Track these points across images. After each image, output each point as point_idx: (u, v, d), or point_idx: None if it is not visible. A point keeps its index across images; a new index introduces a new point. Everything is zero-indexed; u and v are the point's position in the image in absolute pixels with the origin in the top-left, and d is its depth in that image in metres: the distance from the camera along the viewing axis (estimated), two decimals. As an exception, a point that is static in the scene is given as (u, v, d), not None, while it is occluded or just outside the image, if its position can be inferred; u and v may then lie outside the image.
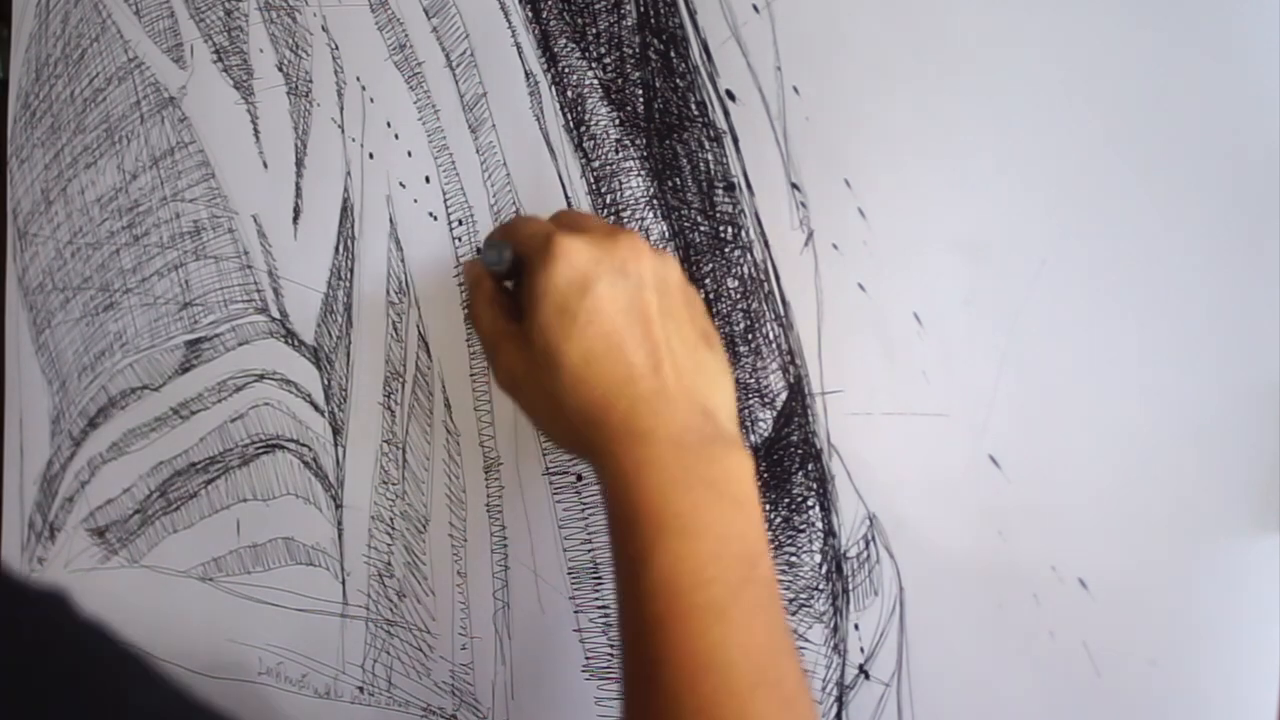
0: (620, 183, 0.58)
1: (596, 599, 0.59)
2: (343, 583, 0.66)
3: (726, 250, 0.55)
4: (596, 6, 0.58)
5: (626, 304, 0.48)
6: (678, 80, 0.56)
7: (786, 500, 0.54)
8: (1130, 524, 0.47)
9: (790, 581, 0.55)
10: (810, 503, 0.54)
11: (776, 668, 0.43)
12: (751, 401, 0.55)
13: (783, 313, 0.54)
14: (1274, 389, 0.45)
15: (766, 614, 0.44)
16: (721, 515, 0.45)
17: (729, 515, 0.45)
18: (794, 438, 0.54)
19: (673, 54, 0.56)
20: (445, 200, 0.63)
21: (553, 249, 0.48)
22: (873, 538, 0.53)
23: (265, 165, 0.68)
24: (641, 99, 0.57)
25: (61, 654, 0.33)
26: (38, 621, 0.34)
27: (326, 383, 0.67)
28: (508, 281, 0.53)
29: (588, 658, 0.59)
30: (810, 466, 0.54)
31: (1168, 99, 0.46)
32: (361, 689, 0.66)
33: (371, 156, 0.65)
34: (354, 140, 0.65)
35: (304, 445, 0.67)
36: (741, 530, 0.45)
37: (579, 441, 0.49)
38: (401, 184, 0.64)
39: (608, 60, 0.58)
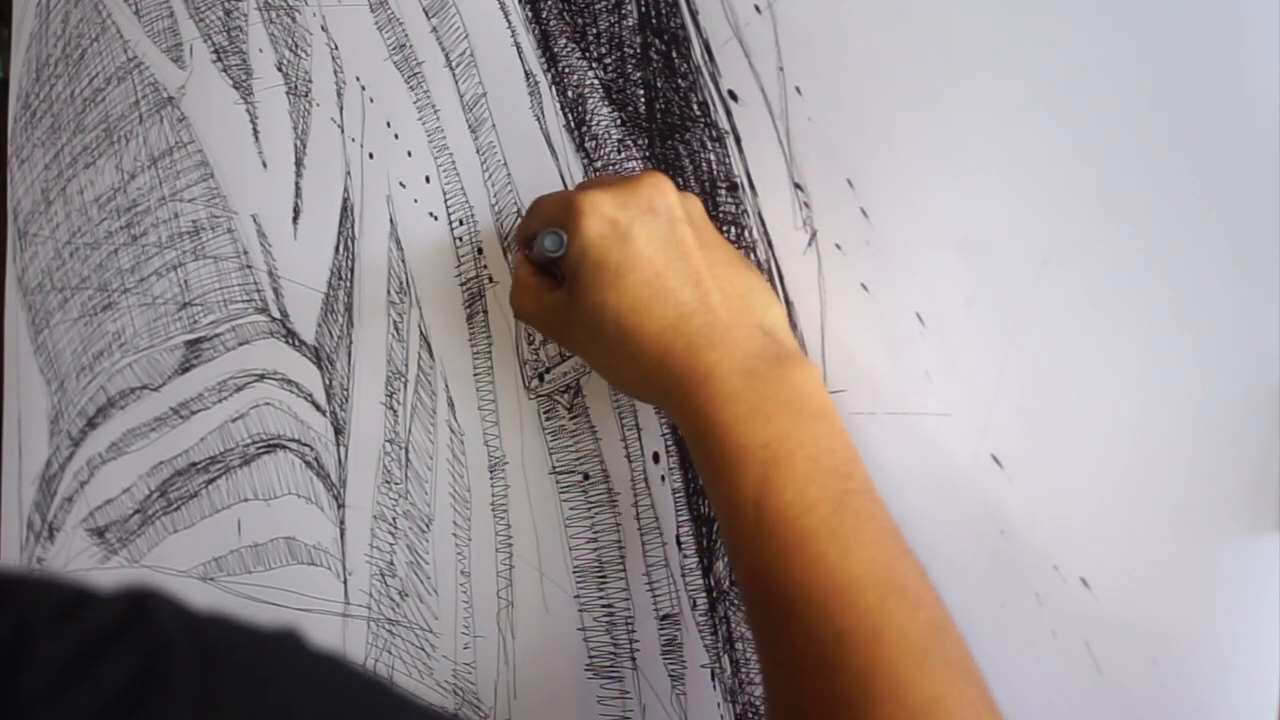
0: (622, 183, 0.58)
1: (601, 597, 0.59)
2: (344, 582, 0.66)
3: (729, 250, 0.55)
4: (597, 7, 0.58)
5: (662, 242, 0.48)
6: (679, 80, 0.56)
7: (790, 499, 0.54)
8: (1132, 523, 0.48)
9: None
10: (813, 502, 0.54)
11: (899, 573, 0.43)
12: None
13: (786, 312, 0.54)
14: (1274, 389, 0.45)
15: (874, 522, 0.44)
16: (806, 434, 0.45)
17: (814, 432, 0.45)
18: (797, 437, 0.54)
19: (674, 54, 0.56)
20: (445, 200, 0.63)
21: (578, 207, 0.48)
22: (876, 537, 0.53)
23: (265, 165, 0.68)
24: (643, 99, 0.57)
25: (309, 695, 0.33)
26: (277, 664, 0.33)
27: (328, 382, 0.67)
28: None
29: (591, 656, 0.59)
30: (813, 466, 0.54)
31: (1169, 99, 0.46)
32: (363, 688, 0.66)
33: (371, 156, 0.65)
34: (354, 140, 0.65)
35: (305, 445, 0.67)
36: (829, 444, 0.45)
37: (648, 389, 0.49)
38: (401, 184, 0.64)
39: (608, 60, 0.58)
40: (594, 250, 0.48)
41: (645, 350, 0.47)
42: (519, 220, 0.56)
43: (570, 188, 0.59)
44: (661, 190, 0.49)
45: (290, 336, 0.68)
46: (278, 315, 0.68)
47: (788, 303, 0.54)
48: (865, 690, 0.40)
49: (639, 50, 0.57)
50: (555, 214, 0.50)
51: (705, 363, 0.46)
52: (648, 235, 0.47)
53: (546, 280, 0.53)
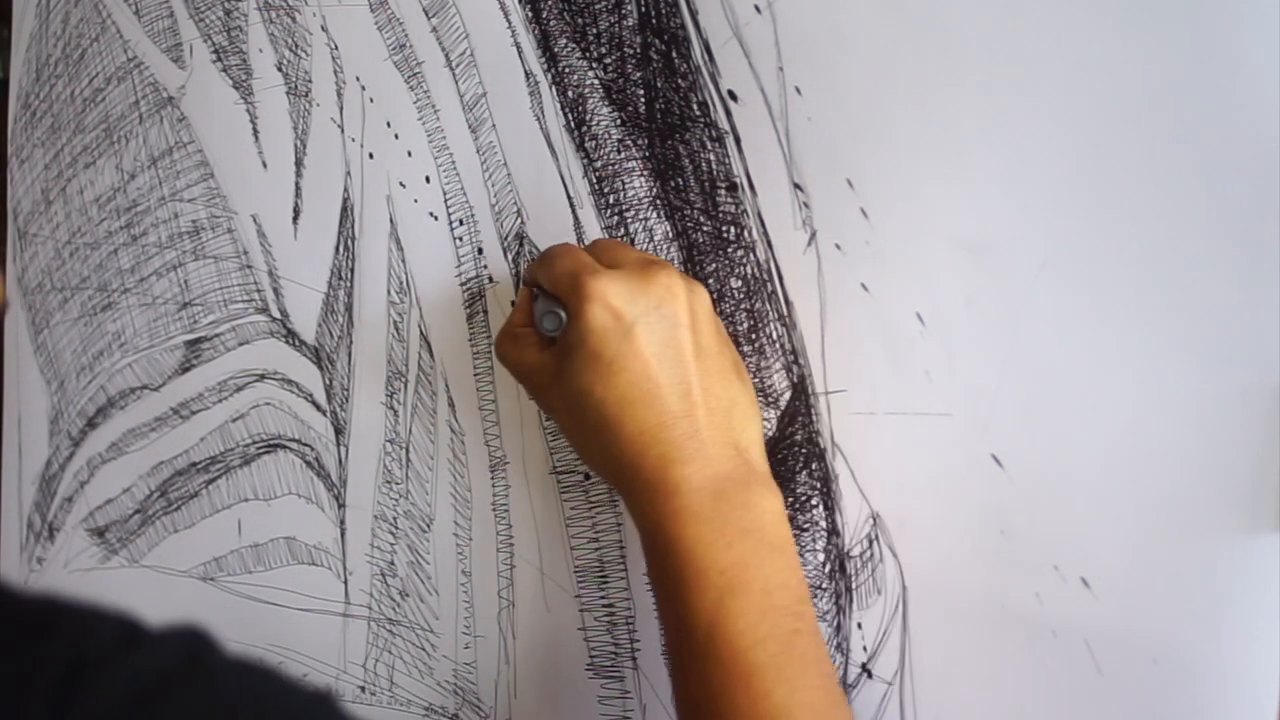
0: (623, 183, 0.58)
1: (602, 597, 0.59)
2: (345, 582, 0.66)
3: (729, 250, 0.55)
4: (597, 7, 0.58)
5: (661, 346, 0.47)
6: (679, 80, 0.56)
7: (790, 499, 0.55)
8: (1132, 523, 0.48)
9: (793, 580, 0.55)
10: (814, 502, 0.54)
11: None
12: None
13: (786, 313, 0.54)
14: (1274, 389, 0.45)
15: (818, 665, 0.45)
16: (764, 565, 0.45)
17: (772, 564, 0.45)
18: (798, 437, 0.54)
19: (674, 54, 0.56)
20: (445, 200, 0.63)
21: (585, 291, 0.48)
22: (876, 537, 0.53)
23: (265, 165, 0.68)
24: (643, 99, 0.57)
25: None
26: None
27: (328, 382, 0.67)
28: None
29: (592, 656, 0.59)
30: (814, 466, 0.54)
31: (1168, 99, 0.47)
32: (363, 688, 0.66)
33: (371, 156, 0.65)
34: (354, 140, 0.65)
35: (306, 445, 0.67)
36: (784, 579, 0.46)
37: (613, 480, 0.49)
38: (401, 184, 0.64)
39: (608, 60, 0.58)
40: (593, 339, 0.47)
41: (620, 446, 0.47)
42: (531, 262, 0.56)
43: (569, 189, 0.59)
44: (672, 291, 0.48)
45: (290, 336, 0.68)
46: (278, 315, 0.68)
47: (787, 303, 0.54)
48: None
49: (639, 50, 0.57)
50: (564, 287, 0.50)
51: (676, 476, 0.46)
52: (648, 336, 0.47)
53: (537, 336, 0.53)
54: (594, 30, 0.58)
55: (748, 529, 0.46)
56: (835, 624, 0.54)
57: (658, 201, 0.57)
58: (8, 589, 0.34)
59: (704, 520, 0.45)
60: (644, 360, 0.47)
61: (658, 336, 0.47)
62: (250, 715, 0.31)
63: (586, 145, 0.59)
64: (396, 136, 0.64)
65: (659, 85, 0.57)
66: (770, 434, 0.55)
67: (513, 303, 0.61)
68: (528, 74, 0.60)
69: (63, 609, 0.33)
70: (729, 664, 0.44)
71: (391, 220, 0.64)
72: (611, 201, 0.58)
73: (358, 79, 0.65)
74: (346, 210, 0.66)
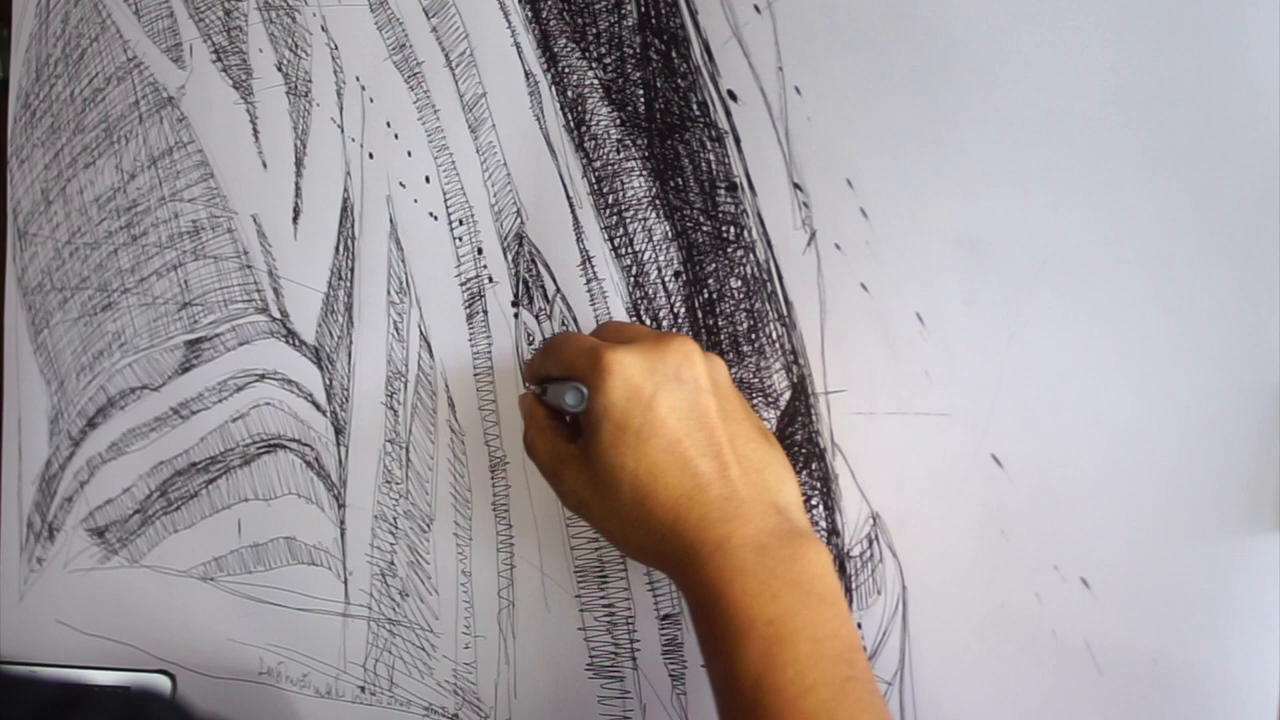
0: (622, 183, 0.58)
1: (602, 597, 0.59)
2: (345, 582, 0.66)
3: (729, 250, 0.55)
4: (597, 7, 0.58)
5: (686, 411, 0.47)
6: (679, 80, 0.56)
7: (790, 499, 0.55)
8: (1132, 523, 0.48)
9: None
10: (814, 502, 0.54)
11: None
12: (755, 401, 0.55)
13: (786, 312, 0.54)
14: (1274, 389, 0.45)
15: (873, 712, 0.44)
16: (813, 616, 0.44)
17: (821, 615, 0.45)
18: (797, 437, 0.54)
19: (674, 54, 0.56)
20: (445, 200, 0.63)
21: (604, 365, 0.47)
22: (876, 537, 0.53)
23: (264, 165, 0.68)
24: (642, 99, 0.57)
25: None
26: None
27: (328, 382, 0.67)
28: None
29: (592, 656, 0.59)
30: (814, 466, 0.54)
31: (1168, 99, 0.47)
32: (363, 688, 0.66)
33: (371, 156, 0.65)
34: (354, 140, 0.65)
35: (306, 445, 0.67)
36: (835, 629, 0.45)
37: (655, 555, 0.48)
38: (401, 184, 0.64)
39: (608, 60, 0.58)
40: (616, 412, 0.47)
41: (657, 517, 0.47)
42: (530, 359, 0.56)
43: (569, 189, 0.59)
44: (689, 358, 0.48)
45: (290, 336, 0.68)
46: (278, 315, 0.68)
47: (787, 303, 0.54)
48: None
49: (639, 50, 0.57)
50: (579, 365, 0.49)
51: (717, 535, 0.46)
52: (671, 404, 0.47)
53: (563, 427, 0.53)
54: (594, 30, 0.58)
55: (794, 581, 0.45)
56: (835, 624, 0.54)
57: (657, 201, 0.57)
58: None
59: (748, 573, 0.45)
60: (670, 427, 0.47)
61: (681, 403, 0.47)
62: None
63: (586, 145, 0.59)
64: (396, 136, 0.64)
65: (659, 85, 0.57)
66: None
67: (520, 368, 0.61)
68: (527, 74, 0.60)
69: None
70: (778, 713, 0.42)
71: (391, 220, 0.64)
72: (611, 201, 0.58)
73: (358, 79, 0.65)
74: (346, 210, 0.66)
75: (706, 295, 0.56)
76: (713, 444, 0.47)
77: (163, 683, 0.33)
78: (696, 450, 0.47)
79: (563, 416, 0.54)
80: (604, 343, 0.49)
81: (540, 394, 0.54)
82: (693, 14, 0.55)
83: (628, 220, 0.58)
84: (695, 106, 0.56)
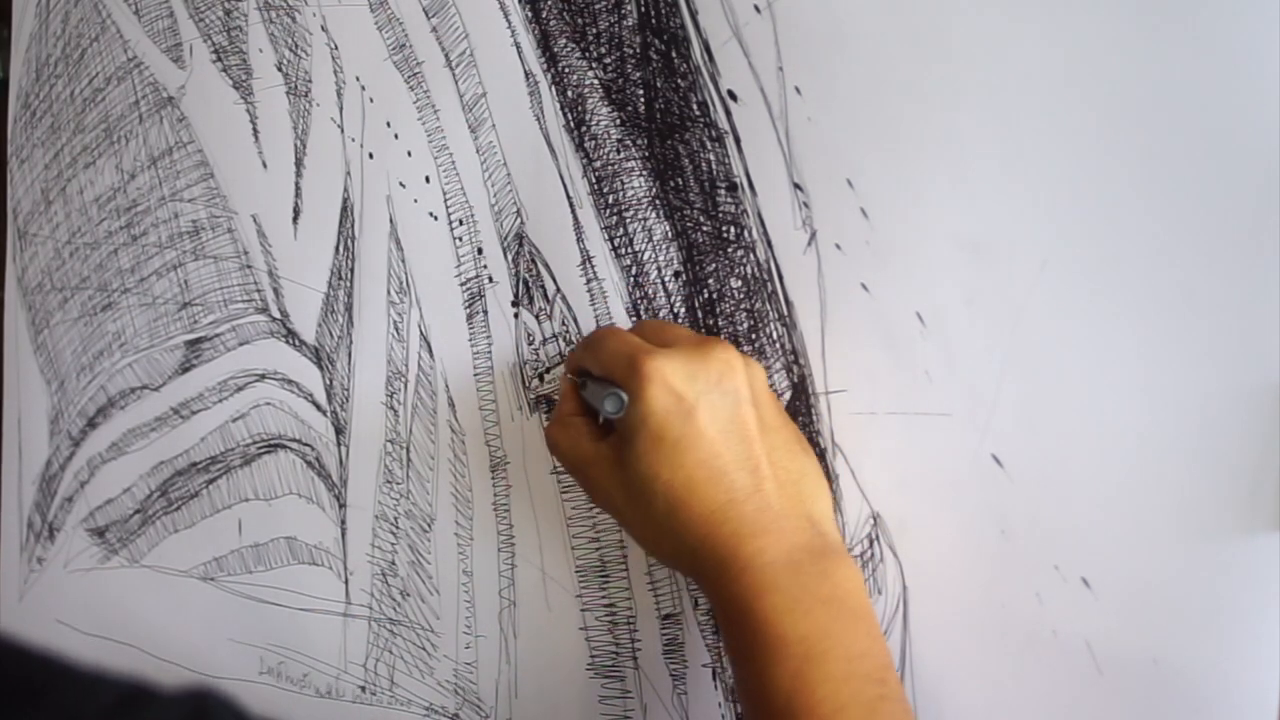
0: (622, 183, 0.58)
1: (603, 597, 0.59)
2: (345, 582, 0.66)
3: (729, 250, 0.55)
4: (597, 6, 0.58)
5: (726, 423, 0.47)
6: (679, 80, 0.56)
7: (790, 499, 0.55)
8: (1132, 523, 0.48)
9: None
10: (814, 502, 0.54)
11: None
12: (755, 401, 0.55)
13: (786, 313, 0.54)
14: (1274, 389, 0.45)
15: None
16: (845, 633, 0.44)
17: (853, 631, 0.44)
18: (798, 437, 0.54)
19: (674, 54, 0.56)
20: (445, 200, 0.63)
21: (644, 372, 0.47)
22: (876, 537, 0.53)
23: (264, 165, 0.68)
24: (642, 99, 0.57)
25: None
26: None
27: (328, 382, 0.67)
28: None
29: (593, 656, 0.59)
30: (814, 466, 0.54)
31: (1168, 99, 0.46)
32: (363, 688, 0.66)
33: (371, 156, 0.65)
34: (354, 140, 0.65)
35: (306, 445, 0.67)
36: (866, 647, 0.44)
37: (686, 565, 0.48)
38: (401, 184, 0.64)
39: (608, 60, 0.58)
40: (655, 420, 0.46)
41: (690, 529, 0.46)
42: (573, 349, 0.55)
43: (569, 189, 0.59)
44: (731, 366, 0.47)
45: (290, 336, 0.68)
46: (278, 315, 0.68)
47: (787, 303, 0.54)
48: None
49: (639, 50, 0.57)
50: (619, 369, 0.48)
51: (748, 550, 0.45)
52: (711, 415, 0.46)
53: (591, 425, 0.52)
54: (594, 30, 0.58)
55: (826, 598, 0.44)
56: (835, 624, 0.54)
57: (657, 201, 0.57)
58: (10, 645, 0.33)
59: (780, 590, 0.44)
60: (709, 439, 0.46)
61: (722, 414, 0.47)
62: None
63: (586, 145, 0.59)
64: (396, 136, 0.64)
65: (659, 85, 0.57)
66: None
67: (530, 355, 0.61)
68: (527, 74, 0.60)
69: (62, 670, 0.33)
70: None
71: (391, 220, 0.64)
72: (611, 201, 0.58)
73: (358, 79, 0.65)
74: (346, 210, 0.66)
75: (706, 295, 0.56)
76: (750, 457, 0.47)
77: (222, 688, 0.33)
78: (734, 463, 0.46)
79: (594, 411, 0.53)
80: (643, 346, 0.48)
81: (581, 386, 0.53)
82: (693, 14, 0.55)
83: (628, 220, 0.58)
84: (695, 106, 0.56)
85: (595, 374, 0.51)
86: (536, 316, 0.60)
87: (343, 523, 0.66)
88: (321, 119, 0.66)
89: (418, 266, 0.64)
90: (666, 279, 0.57)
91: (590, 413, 0.53)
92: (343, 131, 0.66)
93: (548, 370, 0.60)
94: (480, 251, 0.62)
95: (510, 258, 0.61)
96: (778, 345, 0.55)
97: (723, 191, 0.55)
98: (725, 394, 0.47)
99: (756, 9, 0.54)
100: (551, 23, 0.59)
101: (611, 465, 0.49)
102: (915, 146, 0.51)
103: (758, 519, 0.46)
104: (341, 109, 0.66)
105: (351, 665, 0.67)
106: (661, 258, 0.57)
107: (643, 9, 0.57)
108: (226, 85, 0.69)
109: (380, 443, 0.65)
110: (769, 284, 0.55)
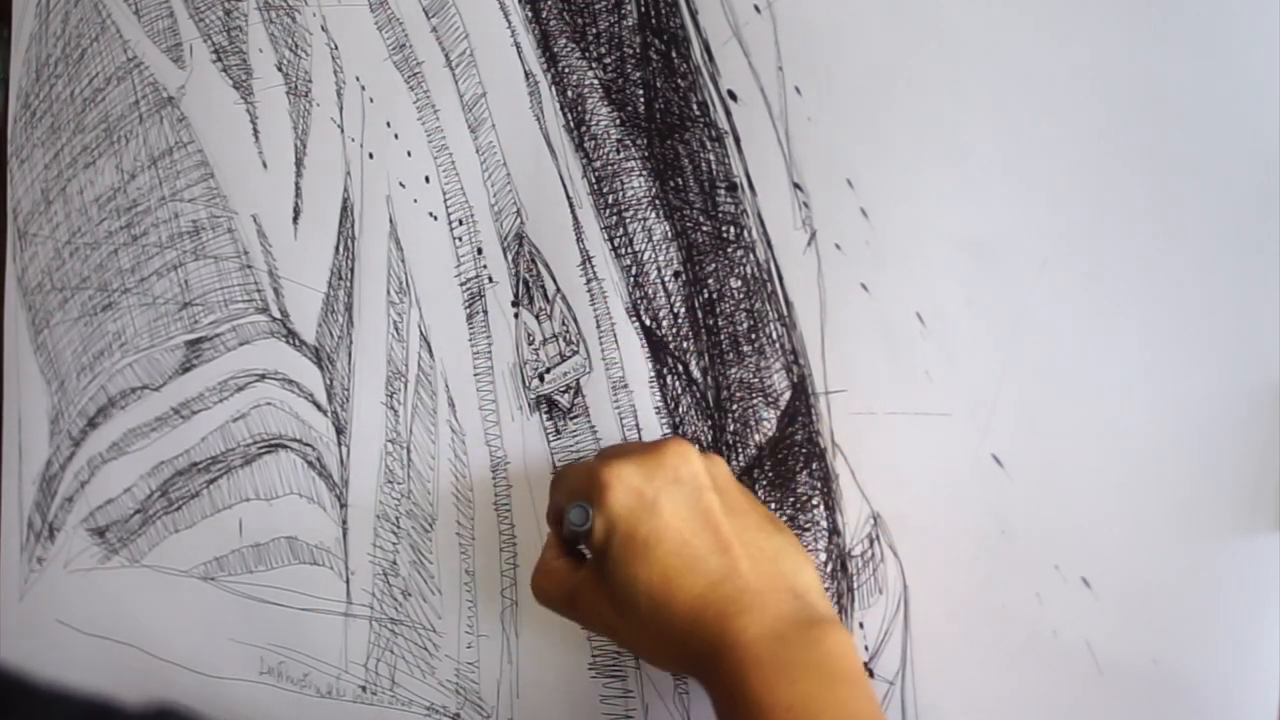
0: (622, 183, 0.58)
1: (603, 598, 0.59)
2: (346, 582, 0.67)
3: (729, 250, 0.56)
4: (597, 6, 0.58)
5: (689, 511, 0.47)
6: (679, 80, 0.56)
7: (791, 499, 0.55)
8: (1133, 523, 0.48)
9: (794, 580, 0.55)
10: (815, 502, 0.54)
11: None
12: (755, 401, 0.55)
13: (786, 313, 0.54)
14: (1274, 389, 0.45)
15: None
16: (834, 697, 0.44)
17: (843, 696, 0.44)
18: (798, 437, 0.55)
19: (674, 54, 0.56)
20: (445, 200, 0.63)
21: (602, 479, 0.48)
22: (877, 536, 0.53)
23: (265, 165, 0.68)
24: (642, 99, 0.57)
25: None
26: None
27: (328, 382, 0.67)
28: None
29: (594, 655, 0.59)
30: (814, 466, 0.54)
31: (1168, 99, 0.47)
32: (364, 688, 0.66)
33: (371, 156, 0.65)
34: (353, 140, 0.65)
35: (307, 445, 0.67)
36: (857, 710, 0.44)
37: (682, 662, 0.48)
38: (401, 184, 0.64)
39: (608, 60, 0.58)
40: (622, 523, 0.47)
41: (676, 621, 0.46)
42: (549, 500, 0.56)
43: (568, 189, 0.59)
44: (686, 458, 0.48)
45: (290, 336, 0.68)
46: (278, 315, 0.68)
47: (787, 303, 0.54)
48: None
49: (638, 50, 0.57)
50: (581, 487, 0.50)
51: (733, 629, 0.45)
52: (674, 506, 0.47)
53: (571, 563, 0.53)
54: (593, 30, 0.58)
55: (814, 664, 0.44)
56: (836, 623, 0.54)
57: (657, 201, 0.57)
58: None
59: (765, 663, 0.44)
60: (675, 529, 0.47)
61: (683, 504, 0.47)
62: None
63: (586, 145, 0.59)
64: (396, 136, 0.64)
65: (658, 85, 0.57)
66: (770, 434, 0.55)
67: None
68: (527, 74, 0.60)
69: (20, 688, 0.32)
70: None
71: (391, 220, 0.64)
72: (610, 201, 0.58)
73: (357, 79, 0.65)
74: (346, 210, 0.66)
75: (706, 295, 0.56)
76: (720, 540, 0.47)
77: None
78: (705, 548, 0.47)
79: (572, 551, 0.53)
80: (601, 460, 0.50)
81: (561, 529, 0.53)
82: (693, 14, 0.55)
83: (628, 220, 0.58)
84: (695, 106, 0.56)
85: (566, 506, 0.52)
86: (536, 316, 0.60)
87: (344, 522, 0.66)
88: (321, 119, 0.66)
89: (417, 266, 0.64)
90: (666, 279, 0.57)
91: (572, 555, 0.54)
92: (343, 131, 0.66)
93: (548, 370, 0.60)
94: (480, 251, 0.62)
95: (510, 258, 0.61)
96: (777, 345, 0.55)
97: (722, 191, 0.55)
98: (683, 484, 0.48)
99: (756, 9, 0.54)
100: (551, 23, 0.59)
101: (595, 585, 0.50)
102: (915, 146, 0.51)
103: (738, 599, 0.46)
104: (341, 109, 0.66)
105: (352, 665, 0.67)
106: (661, 258, 0.57)
107: (643, 9, 0.57)
108: (226, 85, 0.69)
109: (381, 443, 0.65)
110: (769, 284, 0.55)
